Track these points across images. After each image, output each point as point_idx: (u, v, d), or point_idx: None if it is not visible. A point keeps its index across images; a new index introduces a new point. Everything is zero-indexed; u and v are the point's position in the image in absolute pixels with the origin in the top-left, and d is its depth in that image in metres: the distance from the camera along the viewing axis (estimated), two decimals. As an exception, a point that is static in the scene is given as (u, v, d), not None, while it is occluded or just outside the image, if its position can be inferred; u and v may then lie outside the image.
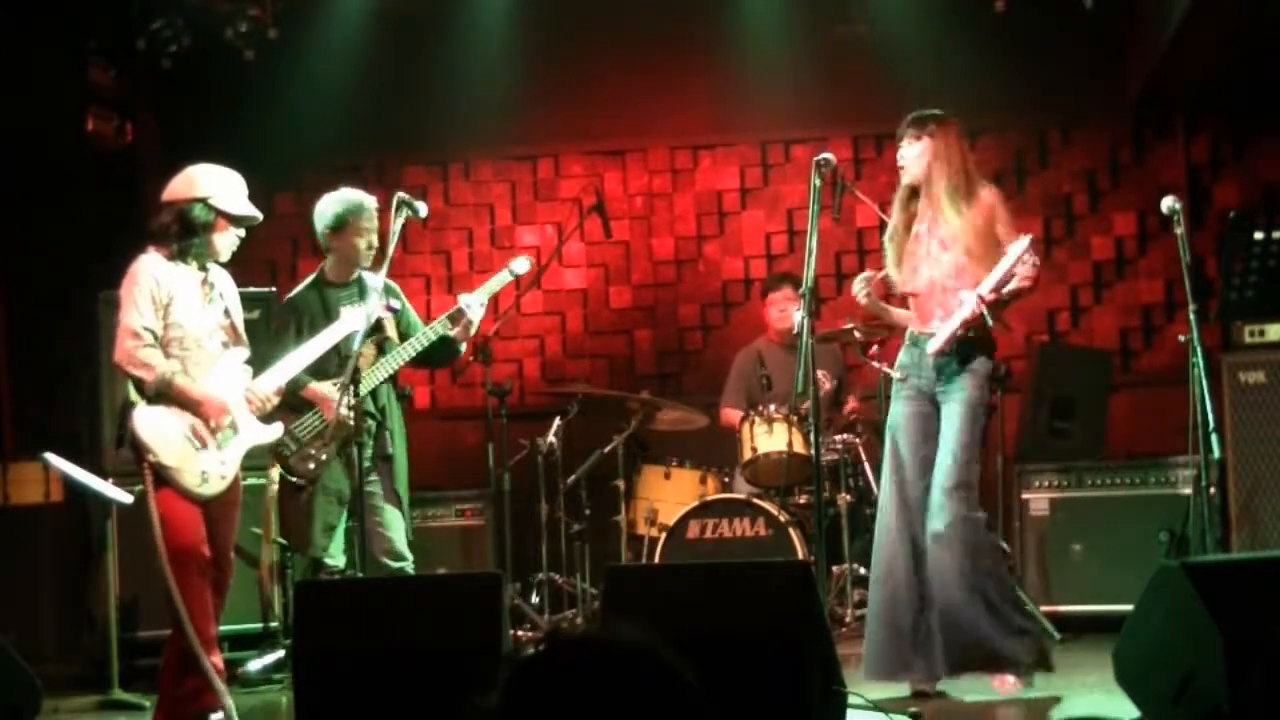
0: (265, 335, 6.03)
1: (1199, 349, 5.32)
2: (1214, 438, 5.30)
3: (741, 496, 6.81)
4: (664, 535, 6.73)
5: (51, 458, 6.06)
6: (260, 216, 5.18)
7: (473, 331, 6.01)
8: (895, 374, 5.44)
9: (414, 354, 5.90)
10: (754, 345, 7.55)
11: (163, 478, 4.92)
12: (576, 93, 8.39)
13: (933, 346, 5.27)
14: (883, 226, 5.62)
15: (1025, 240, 5.16)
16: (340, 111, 8.08)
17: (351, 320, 5.57)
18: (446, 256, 8.54)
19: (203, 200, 5.02)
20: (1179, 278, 6.20)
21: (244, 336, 5.21)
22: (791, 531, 6.58)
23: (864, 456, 7.04)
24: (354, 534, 5.67)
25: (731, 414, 7.28)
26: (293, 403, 5.67)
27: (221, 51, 7.56)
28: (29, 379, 7.98)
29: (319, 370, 5.72)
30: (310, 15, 7.87)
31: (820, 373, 6.08)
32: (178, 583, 4.86)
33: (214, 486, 5.00)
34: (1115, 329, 8.12)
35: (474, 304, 5.92)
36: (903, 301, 5.54)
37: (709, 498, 6.86)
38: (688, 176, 8.48)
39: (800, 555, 6.46)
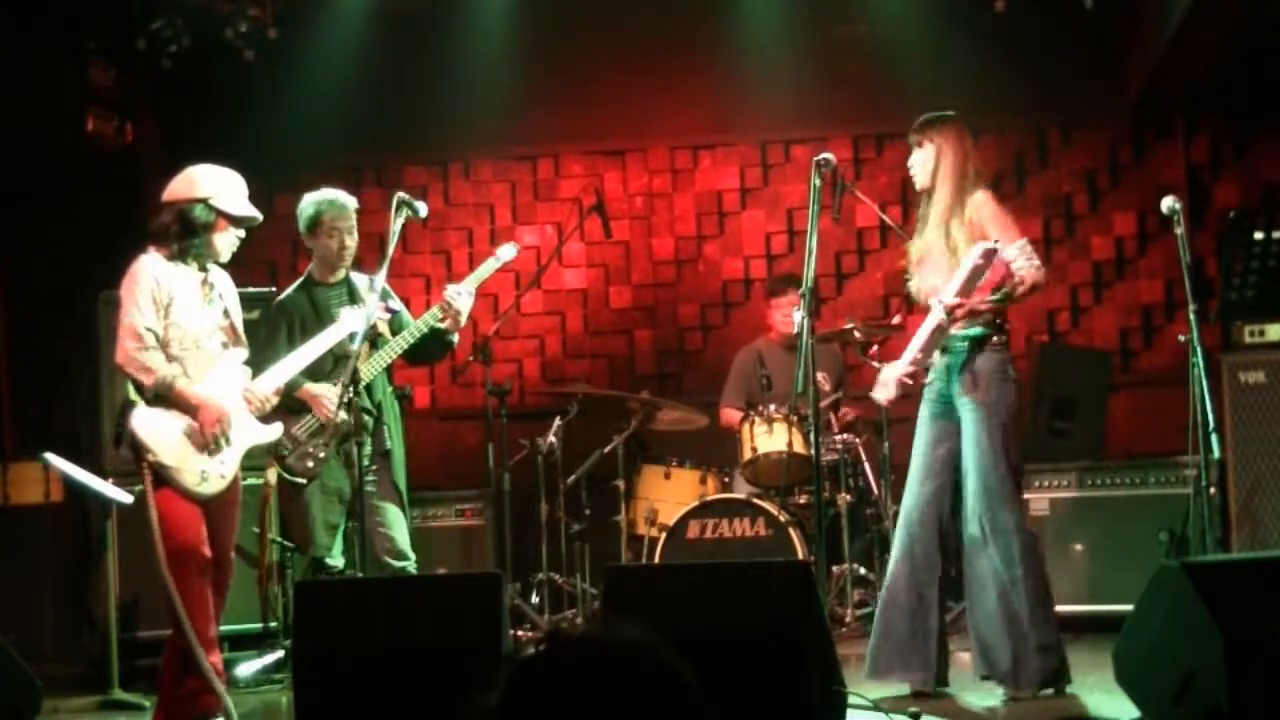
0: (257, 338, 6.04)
1: (1199, 349, 5.32)
2: (1214, 438, 5.29)
3: (741, 496, 6.81)
4: (664, 535, 6.73)
5: (51, 458, 6.06)
6: (260, 217, 5.18)
7: (463, 322, 5.99)
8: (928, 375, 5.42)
9: (405, 347, 5.91)
10: (754, 345, 7.55)
11: (162, 477, 4.92)
12: (576, 93, 8.39)
13: (905, 357, 5.26)
14: (883, 226, 5.62)
15: (980, 247, 5.13)
16: (340, 111, 8.08)
17: (351, 321, 5.57)
18: (446, 256, 8.54)
19: (203, 200, 5.02)
20: (1179, 278, 6.20)
21: (243, 337, 5.22)
22: (791, 531, 6.58)
23: (864, 457, 7.05)
24: (354, 534, 5.68)
25: (731, 414, 7.28)
26: (289, 404, 5.67)
27: (221, 51, 7.56)
28: (29, 379, 7.98)
29: (313, 371, 5.72)
30: (310, 15, 7.87)
31: (820, 375, 6.07)
32: (178, 583, 4.86)
33: (214, 486, 5.00)
34: (1115, 329, 8.12)
35: (463, 292, 5.91)
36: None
37: (709, 498, 6.86)
38: (688, 176, 8.48)
39: (800, 555, 6.46)
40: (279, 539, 6.18)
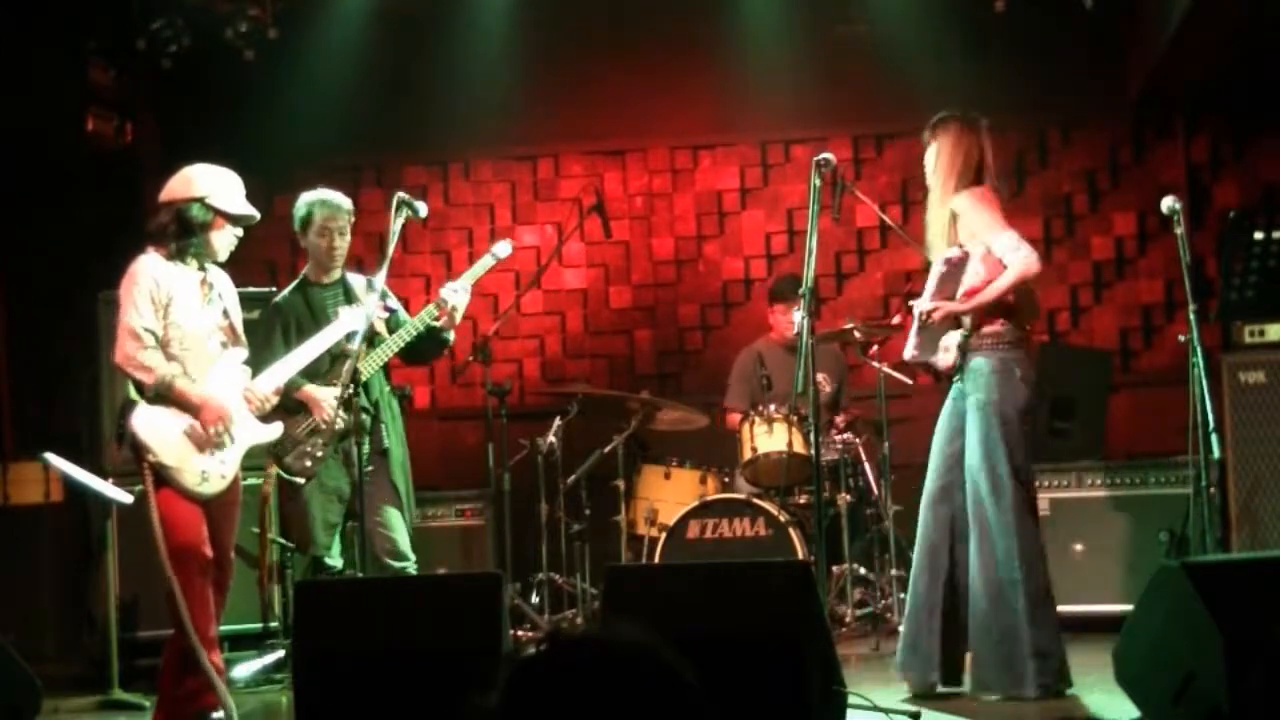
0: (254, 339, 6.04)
1: (1199, 349, 5.31)
2: (1214, 438, 5.29)
3: (741, 496, 6.81)
4: (664, 535, 6.73)
5: (51, 458, 6.06)
6: (258, 215, 5.18)
7: (458, 319, 5.98)
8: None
9: (401, 345, 5.91)
10: (754, 345, 7.54)
11: (163, 477, 4.92)
12: (576, 93, 8.39)
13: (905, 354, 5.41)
14: (883, 226, 5.64)
15: (946, 253, 5.18)
16: (340, 111, 8.07)
17: (350, 321, 5.57)
18: (446, 256, 8.54)
19: (200, 199, 5.02)
20: (1179, 278, 6.19)
21: (243, 337, 5.22)
22: (791, 531, 6.58)
23: (864, 457, 7.05)
24: (354, 534, 5.67)
25: (735, 417, 7.27)
26: (287, 404, 5.67)
27: (221, 51, 7.56)
28: (29, 379, 7.98)
29: (310, 371, 5.72)
30: (310, 15, 7.87)
31: (820, 376, 6.07)
32: (178, 582, 4.86)
33: (214, 486, 5.00)
34: (1115, 329, 8.12)
35: (458, 289, 5.90)
36: None
37: (709, 498, 6.85)
38: (688, 176, 8.48)
39: (800, 555, 6.46)
40: (279, 539, 6.18)
